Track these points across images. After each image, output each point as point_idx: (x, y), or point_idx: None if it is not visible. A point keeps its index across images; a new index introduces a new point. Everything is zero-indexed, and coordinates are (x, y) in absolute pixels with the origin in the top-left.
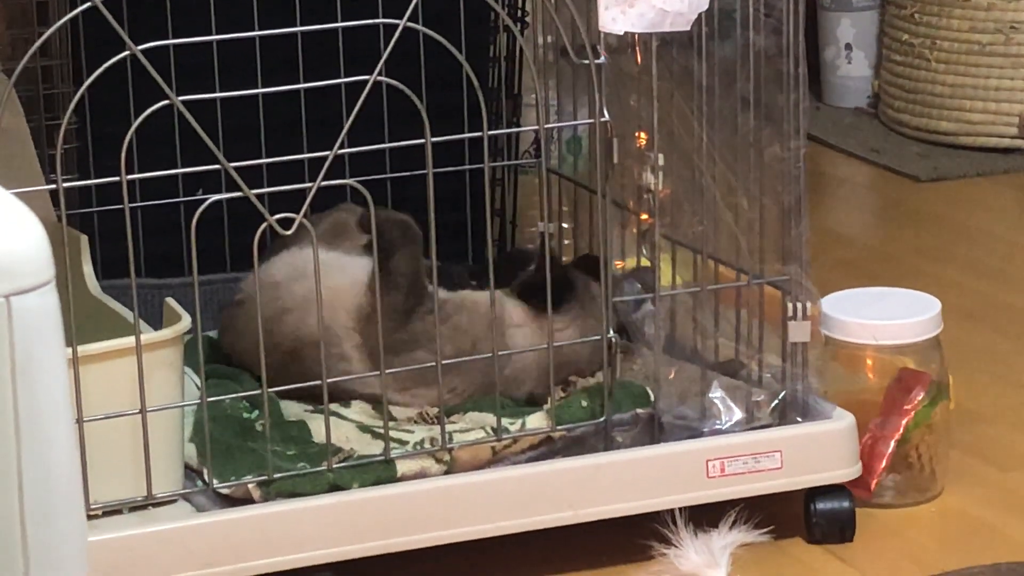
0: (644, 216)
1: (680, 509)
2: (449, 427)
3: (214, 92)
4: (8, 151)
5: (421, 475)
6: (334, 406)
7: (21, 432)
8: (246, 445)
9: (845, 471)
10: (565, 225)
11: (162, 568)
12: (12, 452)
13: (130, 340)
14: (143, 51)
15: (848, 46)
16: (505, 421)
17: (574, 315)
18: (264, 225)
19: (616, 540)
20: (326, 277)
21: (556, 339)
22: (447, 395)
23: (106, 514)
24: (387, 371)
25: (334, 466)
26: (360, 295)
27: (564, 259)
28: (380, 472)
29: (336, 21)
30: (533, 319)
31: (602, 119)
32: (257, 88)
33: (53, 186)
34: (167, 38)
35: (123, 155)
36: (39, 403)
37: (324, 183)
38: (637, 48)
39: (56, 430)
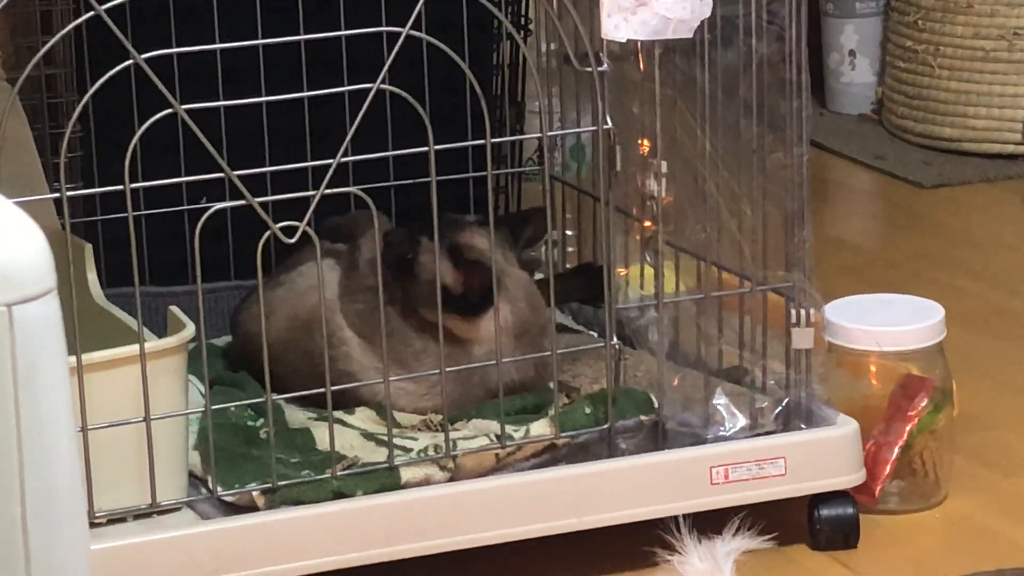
0: (647, 223)
1: (684, 516)
2: (453, 434)
3: (218, 100)
4: (12, 160)
5: (425, 482)
6: (338, 414)
7: (23, 441)
8: (250, 453)
9: (849, 477)
10: (569, 232)
11: None
12: (14, 461)
13: (134, 348)
14: (147, 60)
15: (852, 52)
16: (509, 428)
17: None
18: (268, 233)
19: (620, 547)
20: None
21: (489, 323)
22: (432, 399)
23: (110, 522)
24: (391, 379)
25: (338, 473)
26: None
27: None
28: (384, 479)
29: (339, 29)
30: (465, 320)
31: (605, 126)
32: (260, 96)
33: (57, 195)
34: (171, 46)
35: (127, 163)
36: (41, 412)
37: (328, 191)
38: (640, 55)
39: (58, 439)
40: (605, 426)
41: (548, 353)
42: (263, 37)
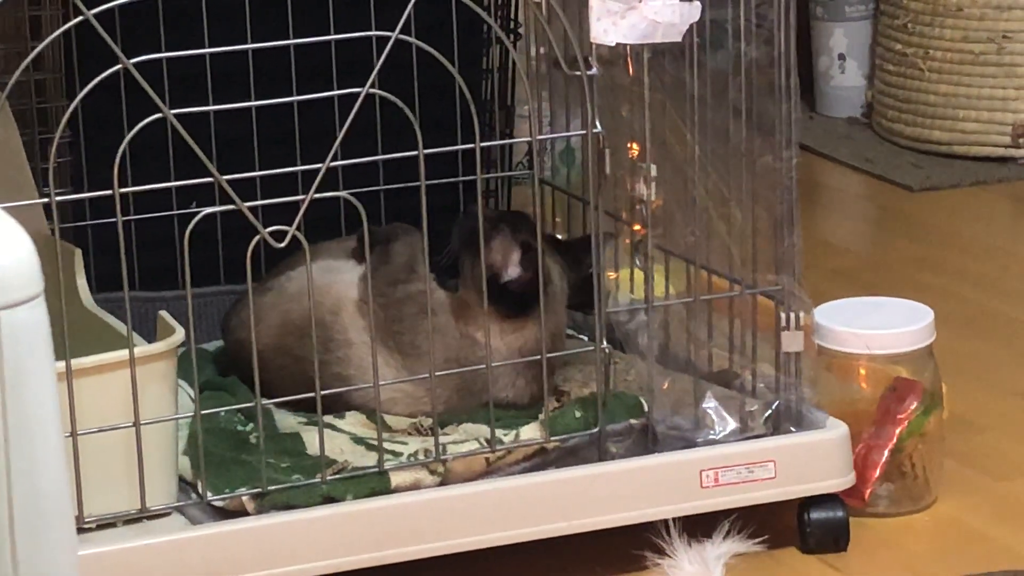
0: (637, 227)
1: (674, 519)
2: (443, 438)
3: (207, 104)
4: (1, 165)
5: (415, 487)
6: (328, 418)
7: (11, 445)
8: (240, 458)
9: (839, 480)
10: (559, 236)
11: None
12: (1, 466)
13: (124, 353)
14: (136, 64)
15: (841, 56)
16: (499, 432)
17: (535, 315)
18: (257, 238)
19: (610, 551)
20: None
21: (516, 339)
22: (430, 404)
23: (100, 527)
24: (381, 383)
25: (328, 478)
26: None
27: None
28: (374, 484)
29: (329, 33)
30: (495, 322)
31: (594, 130)
32: (250, 100)
33: (46, 200)
34: (160, 51)
35: (116, 168)
36: (29, 416)
37: (317, 195)
38: (629, 59)
39: (46, 444)
40: (595, 430)
41: (539, 357)
42: (253, 41)
